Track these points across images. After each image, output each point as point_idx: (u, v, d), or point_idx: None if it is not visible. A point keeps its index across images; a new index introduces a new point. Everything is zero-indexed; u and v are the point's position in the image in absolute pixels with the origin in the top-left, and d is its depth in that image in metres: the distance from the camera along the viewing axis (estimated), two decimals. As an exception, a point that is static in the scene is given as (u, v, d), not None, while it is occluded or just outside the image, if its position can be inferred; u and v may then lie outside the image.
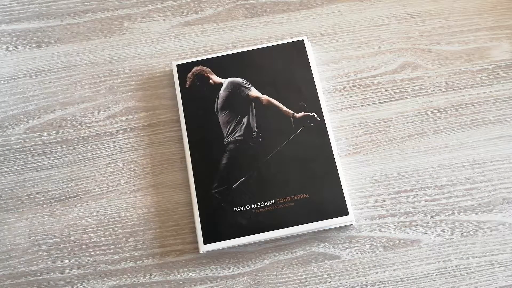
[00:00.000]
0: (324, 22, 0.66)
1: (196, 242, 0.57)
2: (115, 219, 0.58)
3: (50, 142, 0.62)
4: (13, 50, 0.67)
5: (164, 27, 0.67)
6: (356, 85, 0.63)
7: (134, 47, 0.66)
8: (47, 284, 0.56)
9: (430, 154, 0.59)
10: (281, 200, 0.56)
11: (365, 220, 0.57)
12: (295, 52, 0.62)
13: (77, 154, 0.61)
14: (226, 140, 0.59)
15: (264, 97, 0.61)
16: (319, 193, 0.56)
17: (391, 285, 0.54)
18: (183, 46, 0.66)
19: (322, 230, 0.56)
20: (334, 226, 0.55)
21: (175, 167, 0.60)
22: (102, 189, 0.60)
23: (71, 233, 0.58)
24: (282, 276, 0.55)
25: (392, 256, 0.55)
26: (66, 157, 0.61)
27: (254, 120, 0.60)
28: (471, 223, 0.56)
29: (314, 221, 0.55)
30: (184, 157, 0.60)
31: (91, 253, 0.57)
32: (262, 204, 0.56)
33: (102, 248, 0.57)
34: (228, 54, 0.63)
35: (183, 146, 0.61)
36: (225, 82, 0.62)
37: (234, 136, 0.59)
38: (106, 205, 0.59)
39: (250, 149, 0.58)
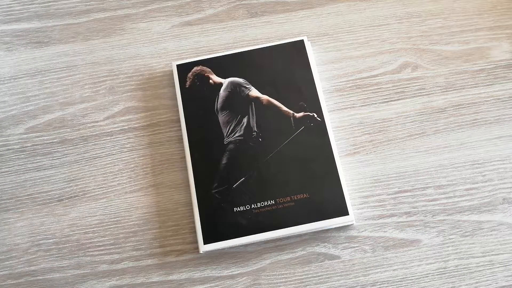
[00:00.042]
0: (324, 22, 0.66)
1: (196, 242, 0.57)
2: (115, 219, 0.58)
3: (50, 142, 0.62)
4: (13, 50, 0.67)
5: (164, 27, 0.67)
6: (356, 85, 0.63)
7: (134, 47, 0.66)
8: (47, 284, 0.56)
9: (430, 154, 0.59)
10: (281, 200, 0.56)
11: (365, 220, 0.57)
12: (295, 52, 0.62)
13: (77, 154, 0.61)
14: (226, 140, 0.59)
15: (264, 97, 0.61)
16: (319, 193, 0.56)
17: (391, 285, 0.54)
18: (183, 46, 0.66)
19: (322, 230, 0.56)
20: (334, 226, 0.55)
21: (175, 167, 0.60)
22: (102, 189, 0.60)
23: (71, 233, 0.58)
24: (282, 276, 0.55)
25: (392, 256, 0.55)
26: (66, 157, 0.61)
27: (254, 120, 0.60)
28: (471, 223, 0.56)
29: (314, 221, 0.55)
30: (184, 157, 0.60)
31: (91, 253, 0.57)
32: (262, 204, 0.56)
33: (102, 248, 0.57)
34: (228, 54, 0.63)
35: (183, 146, 0.61)
36: (225, 82, 0.62)
37: (234, 136, 0.59)
38: (106, 205, 0.59)
39: (250, 149, 0.58)
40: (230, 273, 0.56)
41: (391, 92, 0.62)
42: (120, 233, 0.58)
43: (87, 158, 0.61)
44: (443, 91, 0.62)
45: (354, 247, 0.56)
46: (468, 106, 0.61)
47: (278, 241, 0.57)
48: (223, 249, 0.56)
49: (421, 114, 0.61)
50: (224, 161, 0.58)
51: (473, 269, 0.54)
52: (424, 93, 0.62)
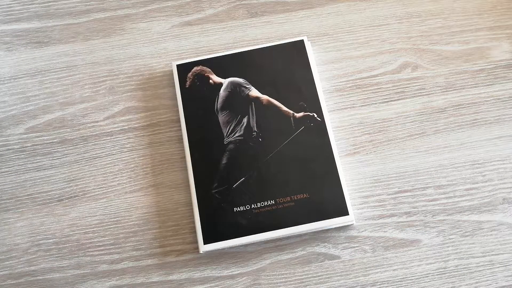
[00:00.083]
0: (324, 22, 0.66)
1: (196, 242, 0.57)
2: (115, 219, 0.58)
3: (50, 142, 0.62)
4: (13, 50, 0.67)
5: (164, 27, 0.67)
6: (356, 85, 0.63)
7: (134, 47, 0.66)
8: (47, 284, 0.56)
9: (430, 154, 0.59)
10: (281, 200, 0.56)
11: (365, 220, 0.57)
12: (295, 52, 0.62)
13: (77, 154, 0.61)
14: (226, 140, 0.59)
15: (264, 97, 0.61)
16: (319, 193, 0.56)
17: (391, 285, 0.54)
18: (183, 46, 0.66)
19: (322, 230, 0.56)
20: (334, 226, 0.55)
21: (175, 167, 0.60)
22: (102, 189, 0.60)
23: (71, 233, 0.58)
24: (282, 276, 0.55)
25: (392, 256, 0.55)
26: (66, 157, 0.61)
27: (254, 120, 0.60)
28: (471, 223, 0.56)
29: (314, 221, 0.55)
30: (184, 157, 0.60)
31: (91, 253, 0.57)
32: (262, 204, 0.56)
33: (102, 248, 0.57)
34: (228, 54, 0.63)
35: (183, 146, 0.61)
36: (225, 82, 0.62)
37: (234, 136, 0.59)
38: (106, 205, 0.59)
39: (250, 149, 0.58)
40: (230, 273, 0.56)
41: (391, 92, 0.62)
42: (120, 233, 0.58)
43: (87, 158, 0.61)
44: (443, 91, 0.62)
45: (354, 247, 0.56)
46: (468, 106, 0.61)
47: (278, 241, 0.57)
48: (223, 249, 0.56)
49: (421, 114, 0.61)
50: (224, 161, 0.58)
51: (473, 269, 0.54)
52: (424, 93, 0.62)
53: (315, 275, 0.55)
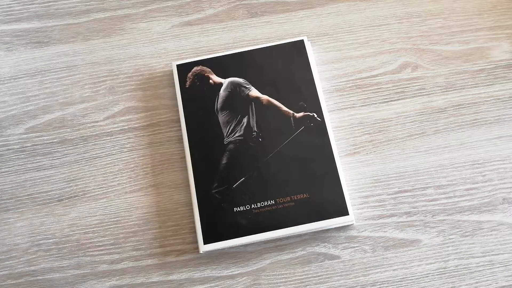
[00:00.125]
0: (324, 22, 0.66)
1: (196, 242, 0.57)
2: (115, 219, 0.58)
3: (50, 142, 0.62)
4: (13, 50, 0.67)
5: (164, 27, 0.67)
6: (356, 85, 0.63)
7: (134, 47, 0.66)
8: (47, 284, 0.56)
9: (430, 154, 0.59)
10: (281, 200, 0.56)
11: (365, 220, 0.57)
12: (295, 52, 0.62)
13: (77, 154, 0.61)
14: (226, 140, 0.59)
15: (264, 97, 0.61)
16: (319, 193, 0.56)
17: (391, 285, 0.54)
18: (183, 46, 0.66)
19: (322, 230, 0.56)
20: (334, 226, 0.55)
21: (175, 167, 0.60)
22: (102, 189, 0.60)
23: (71, 233, 0.58)
24: (282, 276, 0.55)
25: (392, 256, 0.55)
26: (66, 157, 0.61)
27: (254, 120, 0.60)
28: (471, 223, 0.56)
29: (314, 221, 0.55)
30: (184, 157, 0.60)
31: (91, 253, 0.57)
32: (262, 204, 0.56)
33: (102, 248, 0.57)
34: (228, 54, 0.63)
35: (183, 146, 0.61)
36: (225, 82, 0.62)
37: (234, 136, 0.59)
38: (106, 205, 0.59)
39: (250, 149, 0.58)
40: (230, 273, 0.56)
41: (391, 92, 0.62)
42: (120, 233, 0.58)
43: (87, 158, 0.61)
44: (443, 91, 0.62)
45: (354, 247, 0.56)
46: (468, 106, 0.61)
47: (278, 241, 0.57)
48: (223, 249, 0.56)
49: (421, 114, 0.61)
50: (224, 161, 0.58)
51: (473, 269, 0.54)
52: (424, 93, 0.62)
53: (315, 275, 0.55)
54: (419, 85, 0.62)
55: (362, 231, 0.56)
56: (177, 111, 0.63)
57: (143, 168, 0.60)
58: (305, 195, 0.56)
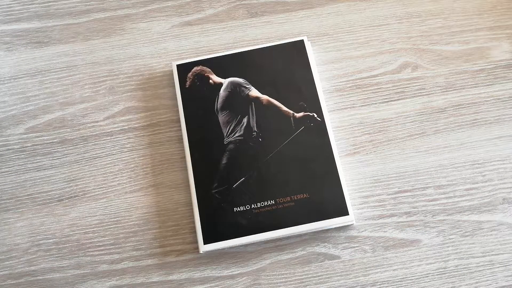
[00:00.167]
0: (324, 22, 0.66)
1: (196, 242, 0.57)
2: (115, 219, 0.58)
3: (50, 142, 0.62)
4: (13, 50, 0.67)
5: (164, 27, 0.67)
6: (356, 85, 0.63)
7: (134, 47, 0.66)
8: (47, 284, 0.56)
9: (430, 154, 0.59)
10: (281, 200, 0.56)
11: (365, 220, 0.57)
12: (295, 52, 0.62)
13: (77, 154, 0.61)
14: (226, 140, 0.59)
15: (264, 97, 0.61)
16: (319, 193, 0.56)
17: (391, 285, 0.54)
18: (183, 46, 0.66)
19: (322, 230, 0.56)
20: (334, 226, 0.55)
21: (175, 167, 0.60)
22: (102, 189, 0.60)
23: (71, 233, 0.58)
24: (282, 276, 0.55)
25: (392, 256, 0.55)
26: (66, 157, 0.61)
27: (254, 120, 0.60)
28: (471, 223, 0.56)
29: (314, 221, 0.55)
30: (184, 157, 0.60)
31: (91, 253, 0.57)
32: (262, 204, 0.56)
33: (102, 248, 0.57)
34: (228, 54, 0.63)
35: (183, 146, 0.61)
36: (225, 82, 0.62)
37: (234, 136, 0.59)
38: (106, 205, 0.59)
39: (250, 149, 0.58)
40: (230, 273, 0.56)
41: (391, 92, 0.62)
42: (120, 233, 0.58)
43: (87, 158, 0.61)
44: (443, 91, 0.62)
45: (354, 247, 0.56)
46: (468, 106, 0.61)
47: (278, 241, 0.57)
48: (223, 249, 0.56)
49: (421, 114, 0.61)
50: (224, 161, 0.58)
51: (473, 269, 0.54)
52: (424, 93, 0.62)
53: (315, 275, 0.55)
54: (419, 85, 0.62)
55: (362, 231, 0.56)
56: (177, 111, 0.63)
57: (143, 168, 0.60)
58: (305, 195, 0.56)
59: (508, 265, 0.54)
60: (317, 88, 0.60)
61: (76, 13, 0.69)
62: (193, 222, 0.58)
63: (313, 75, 0.61)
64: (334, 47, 0.65)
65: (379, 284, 0.54)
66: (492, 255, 0.55)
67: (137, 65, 0.65)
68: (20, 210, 0.59)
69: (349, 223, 0.55)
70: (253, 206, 0.56)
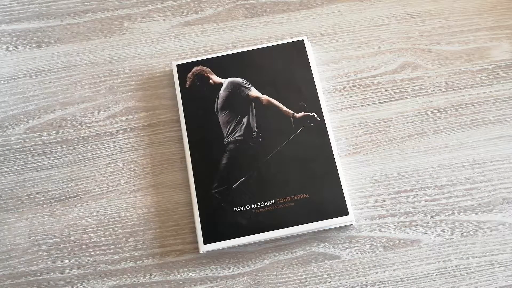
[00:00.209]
0: (324, 22, 0.66)
1: (196, 242, 0.57)
2: (115, 219, 0.58)
3: (50, 142, 0.62)
4: (13, 50, 0.67)
5: (164, 27, 0.67)
6: (356, 85, 0.63)
7: (134, 47, 0.66)
8: (47, 284, 0.56)
9: (430, 154, 0.59)
10: (281, 200, 0.56)
11: (365, 220, 0.57)
12: (295, 52, 0.62)
13: (77, 154, 0.61)
14: (226, 140, 0.59)
15: (264, 97, 0.61)
16: (319, 193, 0.56)
17: (391, 285, 0.54)
18: (183, 46, 0.66)
19: (322, 230, 0.56)
20: (334, 226, 0.55)
21: (175, 167, 0.60)
22: (102, 189, 0.60)
23: (71, 233, 0.58)
24: (282, 276, 0.55)
25: (392, 256, 0.55)
26: (66, 157, 0.61)
27: (254, 120, 0.60)
28: (471, 223, 0.56)
29: (314, 221, 0.55)
30: (184, 157, 0.60)
31: (91, 253, 0.57)
32: (262, 204, 0.56)
33: (102, 248, 0.57)
34: (228, 54, 0.63)
35: (183, 146, 0.61)
36: (225, 82, 0.62)
37: (234, 136, 0.59)
38: (106, 205, 0.59)
39: (250, 149, 0.58)
40: (230, 273, 0.56)
41: (391, 92, 0.62)
42: (120, 233, 0.58)
43: (87, 158, 0.61)
44: (443, 91, 0.62)
45: (354, 247, 0.56)
46: (468, 106, 0.61)
47: (278, 241, 0.57)
48: (223, 249, 0.56)
49: (421, 114, 0.61)
50: (224, 161, 0.58)
51: (473, 269, 0.54)
52: (424, 93, 0.62)
53: (315, 275, 0.55)
54: (419, 85, 0.62)
55: (362, 231, 0.56)
56: (177, 111, 0.63)
57: (143, 168, 0.60)
58: (305, 195, 0.56)
59: (508, 265, 0.54)
60: (317, 88, 0.60)
61: (76, 13, 0.69)
62: (193, 222, 0.58)
63: (313, 75, 0.61)
64: (334, 47, 0.65)
65: (379, 284, 0.54)
66: (492, 255, 0.55)
67: (137, 65, 0.65)
68: (20, 210, 0.59)
69: (349, 223, 0.55)
70: (253, 206, 0.56)
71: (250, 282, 0.55)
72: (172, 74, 0.64)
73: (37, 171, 0.61)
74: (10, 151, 0.62)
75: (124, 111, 0.63)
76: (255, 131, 0.59)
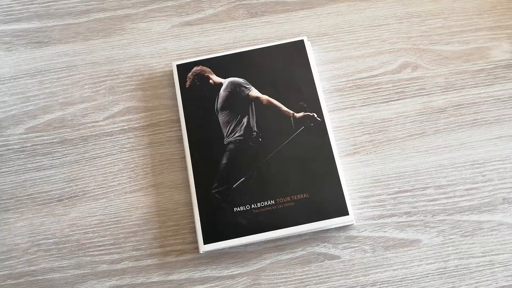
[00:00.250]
0: (324, 22, 0.66)
1: (196, 242, 0.57)
2: (115, 219, 0.58)
3: (50, 142, 0.62)
4: (13, 50, 0.67)
5: (164, 27, 0.67)
6: (356, 85, 0.63)
7: (134, 47, 0.66)
8: (47, 284, 0.56)
9: (430, 154, 0.59)
10: (281, 200, 0.56)
11: (365, 220, 0.57)
12: (295, 52, 0.62)
13: (77, 154, 0.61)
14: (226, 140, 0.59)
15: (264, 97, 0.61)
16: (319, 193, 0.56)
17: (391, 285, 0.54)
18: (183, 46, 0.66)
19: (322, 230, 0.56)
20: (334, 226, 0.55)
21: (175, 167, 0.60)
22: (102, 189, 0.60)
23: (71, 233, 0.58)
24: (282, 276, 0.55)
25: (392, 256, 0.55)
26: (66, 157, 0.61)
27: (254, 120, 0.60)
28: (471, 223, 0.56)
29: (314, 221, 0.55)
30: (184, 157, 0.60)
31: (91, 253, 0.57)
32: (262, 204, 0.56)
33: (102, 248, 0.57)
34: (228, 54, 0.63)
35: (183, 146, 0.61)
36: (225, 82, 0.62)
37: (234, 136, 0.59)
38: (106, 205, 0.59)
39: (250, 149, 0.58)
40: (230, 273, 0.56)
41: (391, 92, 0.62)
42: (120, 233, 0.58)
43: (87, 158, 0.61)
44: (443, 91, 0.62)
45: (354, 247, 0.56)
46: (468, 106, 0.61)
47: (278, 241, 0.57)
48: (223, 249, 0.56)
49: (421, 114, 0.61)
50: (224, 161, 0.58)
51: (473, 269, 0.54)
52: (424, 93, 0.62)
53: (315, 275, 0.55)
54: (419, 85, 0.62)
55: (362, 231, 0.56)
56: (177, 111, 0.63)
57: (143, 168, 0.60)
58: (305, 195, 0.56)
59: (508, 265, 0.54)
60: (317, 88, 0.60)
61: (76, 13, 0.69)
62: (193, 222, 0.58)
63: (313, 75, 0.61)
64: (334, 47, 0.65)
65: (379, 284, 0.54)
66: (492, 255, 0.55)
67: (137, 65, 0.65)
68: (20, 210, 0.59)
69: (349, 223, 0.55)
70: (253, 206, 0.56)
71: (250, 282, 0.55)
72: (172, 74, 0.64)
73: (37, 171, 0.61)
74: (10, 151, 0.62)
75: (124, 111, 0.63)
76: (255, 131, 0.59)
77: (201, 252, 0.55)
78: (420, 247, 0.55)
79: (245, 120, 0.60)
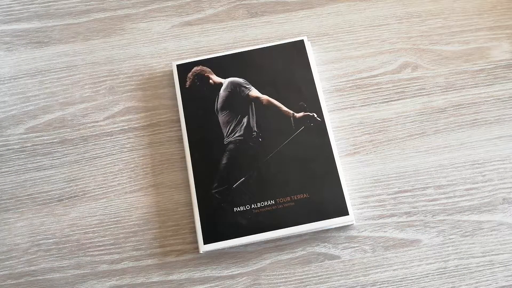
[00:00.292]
0: (324, 22, 0.66)
1: (196, 242, 0.57)
2: (115, 219, 0.58)
3: (50, 142, 0.62)
4: (13, 50, 0.67)
5: (164, 27, 0.67)
6: (356, 85, 0.63)
7: (134, 47, 0.66)
8: (47, 284, 0.56)
9: (430, 154, 0.59)
10: (281, 200, 0.56)
11: (365, 220, 0.57)
12: (295, 52, 0.62)
13: (77, 154, 0.61)
14: (226, 140, 0.59)
15: (264, 97, 0.61)
16: (319, 193, 0.56)
17: (391, 285, 0.54)
18: (183, 46, 0.66)
19: (322, 230, 0.56)
20: (334, 226, 0.55)
21: (175, 167, 0.60)
22: (102, 189, 0.60)
23: (71, 233, 0.58)
24: (282, 276, 0.55)
25: (392, 256, 0.55)
26: (66, 157, 0.61)
27: (254, 120, 0.60)
28: (471, 223, 0.56)
29: (314, 221, 0.55)
30: (184, 157, 0.60)
31: (91, 253, 0.57)
32: (262, 204, 0.56)
33: (102, 248, 0.57)
34: (228, 54, 0.63)
35: (183, 146, 0.61)
36: (225, 82, 0.62)
37: (234, 136, 0.59)
38: (106, 205, 0.59)
39: (250, 149, 0.58)
40: (230, 273, 0.56)
41: (391, 92, 0.62)
42: (120, 233, 0.58)
43: (87, 158, 0.61)
44: (443, 91, 0.62)
45: (354, 247, 0.56)
46: (468, 106, 0.61)
47: (278, 241, 0.57)
48: (223, 249, 0.56)
49: (421, 114, 0.61)
50: (224, 161, 0.58)
51: (473, 269, 0.54)
52: (424, 93, 0.62)
53: (315, 275, 0.55)
54: (419, 85, 0.62)
55: (362, 231, 0.56)
56: (177, 111, 0.63)
57: (143, 168, 0.60)
58: (305, 195, 0.56)
59: (508, 265, 0.54)
60: (317, 88, 0.60)
61: (76, 13, 0.69)
62: (193, 222, 0.58)
63: (313, 75, 0.61)
64: (334, 47, 0.65)
65: (379, 284, 0.54)
66: (492, 255, 0.55)
67: (137, 65, 0.65)
68: (20, 210, 0.59)
69: (349, 223, 0.55)
70: (253, 206, 0.56)
71: (250, 282, 0.55)
72: (172, 74, 0.64)
73: (37, 171, 0.61)
74: (10, 151, 0.62)
75: (124, 111, 0.63)
76: (255, 131, 0.59)
77: (201, 252, 0.55)
78: (420, 247, 0.55)
79: (245, 120, 0.60)
